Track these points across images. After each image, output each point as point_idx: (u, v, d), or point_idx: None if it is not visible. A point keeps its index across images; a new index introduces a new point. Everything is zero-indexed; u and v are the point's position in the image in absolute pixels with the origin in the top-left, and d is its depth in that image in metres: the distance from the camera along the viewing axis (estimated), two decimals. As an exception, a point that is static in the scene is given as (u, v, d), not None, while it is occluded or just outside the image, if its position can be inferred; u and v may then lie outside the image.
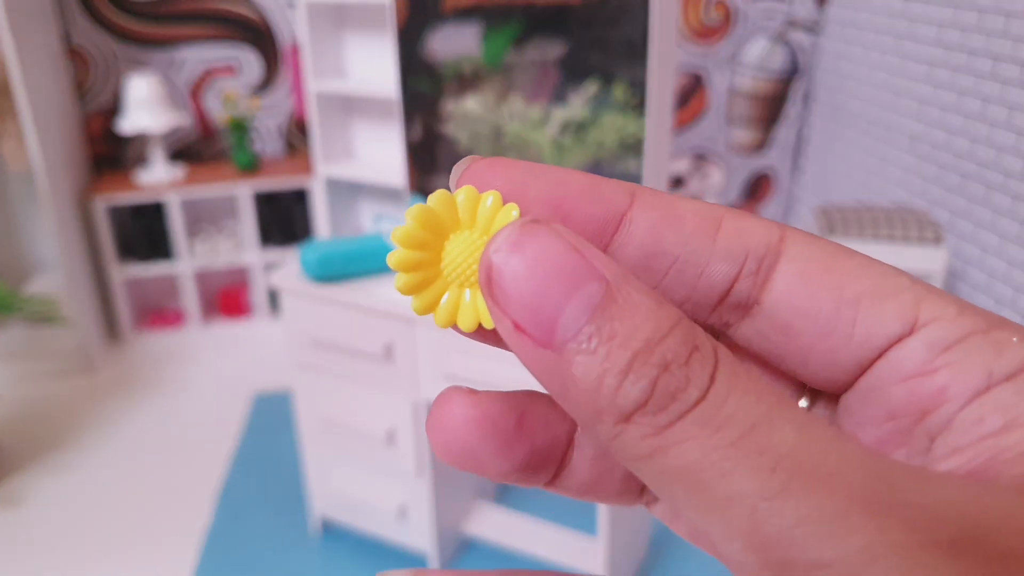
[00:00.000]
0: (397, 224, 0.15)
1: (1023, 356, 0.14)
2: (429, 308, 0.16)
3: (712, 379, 0.13)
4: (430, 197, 0.15)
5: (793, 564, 0.12)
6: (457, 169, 0.16)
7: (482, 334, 0.16)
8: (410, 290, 0.16)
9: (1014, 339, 0.14)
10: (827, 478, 0.12)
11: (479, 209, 0.15)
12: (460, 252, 0.16)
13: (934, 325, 0.15)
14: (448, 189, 0.16)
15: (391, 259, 0.15)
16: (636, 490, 0.18)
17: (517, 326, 0.13)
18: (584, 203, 0.16)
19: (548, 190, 0.16)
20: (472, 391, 0.17)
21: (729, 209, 0.16)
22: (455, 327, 0.16)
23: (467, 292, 0.16)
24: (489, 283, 0.14)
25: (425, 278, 0.16)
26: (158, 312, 2.45)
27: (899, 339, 0.15)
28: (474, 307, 0.16)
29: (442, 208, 0.16)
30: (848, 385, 0.16)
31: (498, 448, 0.16)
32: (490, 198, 0.15)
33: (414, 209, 0.15)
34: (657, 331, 0.13)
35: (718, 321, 0.16)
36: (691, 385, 0.13)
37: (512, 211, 0.15)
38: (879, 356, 0.15)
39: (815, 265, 0.15)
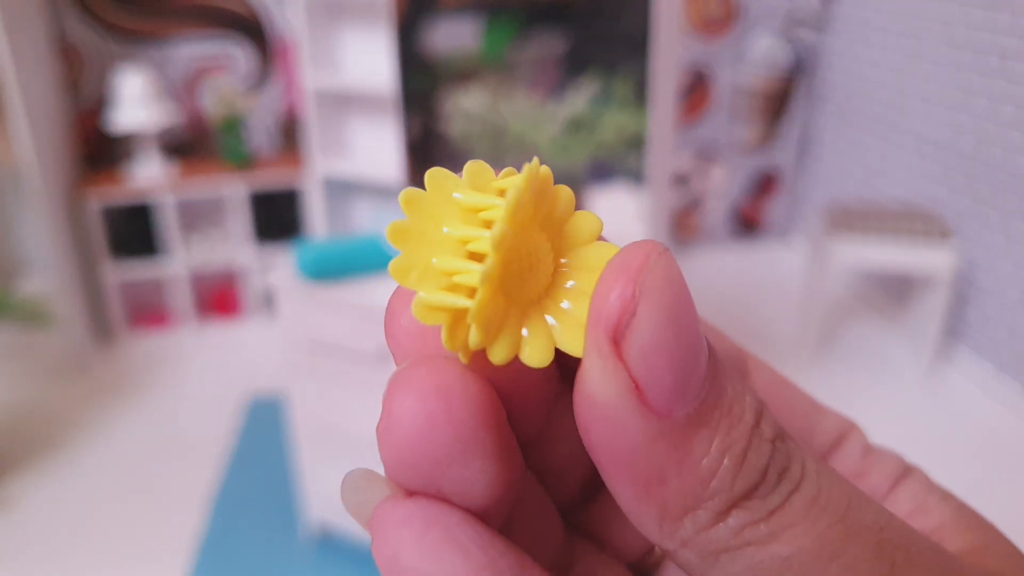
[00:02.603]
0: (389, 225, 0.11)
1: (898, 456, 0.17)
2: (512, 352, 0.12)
3: (802, 455, 0.12)
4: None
5: None
6: None
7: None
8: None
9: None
10: (918, 554, 0.12)
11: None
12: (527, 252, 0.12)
13: (854, 434, 0.17)
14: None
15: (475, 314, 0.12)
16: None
17: (637, 387, 0.11)
18: None
19: None
20: (461, 363, 0.13)
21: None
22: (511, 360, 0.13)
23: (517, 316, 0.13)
24: (618, 336, 0.11)
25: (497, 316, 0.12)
26: (150, 312, 2.41)
27: (838, 443, 0.17)
28: (547, 334, 0.12)
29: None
30: None
31: (499, 445, 0.12)
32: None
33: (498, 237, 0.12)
34: (760, 407, 0.12)
35: None
36: (793, 462, 0.12)
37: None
38: (825, 458, 0.17)
39: (775, 376, 0.17)
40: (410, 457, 0.12)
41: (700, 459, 0.11)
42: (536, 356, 0.12)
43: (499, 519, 0.13)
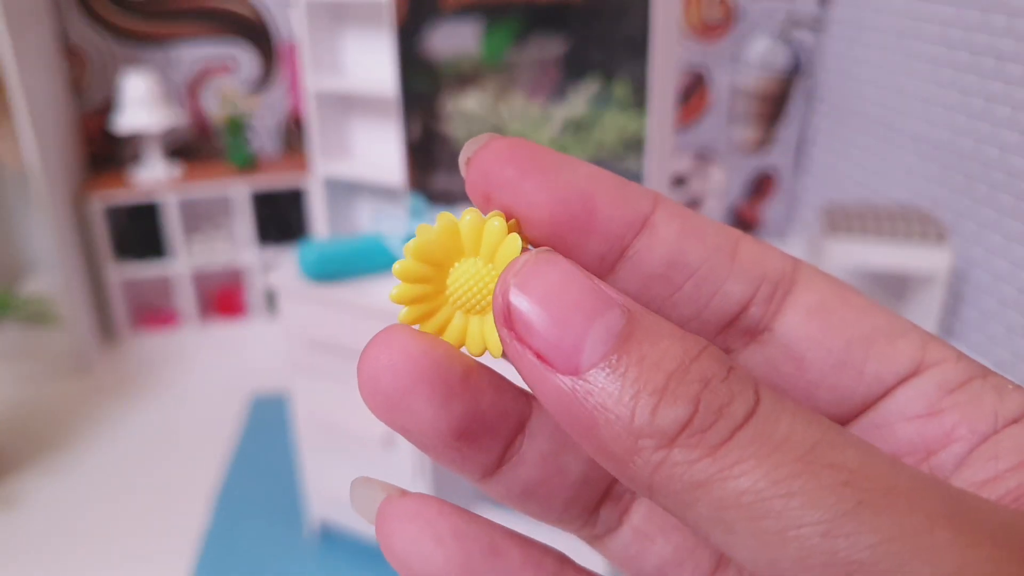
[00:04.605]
0: (398, 233, 0.16)
1: (1022, 400, 0.14)
2: (435, 336, 0.16)
3: (757, 396, 0.12)
4: (437, 220, 0.15)
5: None
6: (471, 147, 0.15)
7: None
8: (413, 321, 0.16)
9: (1009, 386, 0.14)
10: (903, 495, 0.11)
11: (484, 235, 0.15)
12: (466, 281, 0.16)
13: (941, 367, 0.15)
14: (453, 215, 0.16)
15: (393, 294, 0.16)
16: (587, 506, 0.17)
17: (539, 356, 0.13)
18: (613, 200, 0.15)
19: (579, 183, 0.15)
20: (417, 331, 0.15)
21: (744, 233, 0.16)
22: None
23: (473, 320, 0.16)
24: (508, 314, 0.13)
25: (429, 308, 0.16)
26: (154, 312, 2.43)
27: (907, 378, 0.15)
28: (481, 334, 0.16)
29: (446, 235, 0.16)
30: (847, 421, 0.16)
31: (435, 395, 0.15)
32: (495, 221, 0.15)
33: (412, 244, 0.15)
34: (688, 352, 0.12)
35: (721, 345, 0.16)
36: (735, 400, 0.12)
37: (516, 242, 0.15)
38: (886, 394, 0.15)
39: (828, 299, 0.16)
40: (370, 387, 0.15)
41: (614, 405, 0.12)
42: (473, 347, 0.16)
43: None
